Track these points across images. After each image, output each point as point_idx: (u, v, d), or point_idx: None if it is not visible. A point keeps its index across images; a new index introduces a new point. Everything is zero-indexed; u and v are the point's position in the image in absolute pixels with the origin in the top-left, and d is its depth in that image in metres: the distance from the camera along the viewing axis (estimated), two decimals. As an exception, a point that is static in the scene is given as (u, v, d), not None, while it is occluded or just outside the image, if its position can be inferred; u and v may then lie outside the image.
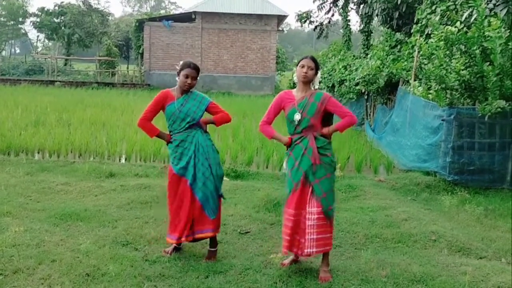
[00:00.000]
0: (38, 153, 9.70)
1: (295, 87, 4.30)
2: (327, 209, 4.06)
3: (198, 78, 4.37)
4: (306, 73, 4.08)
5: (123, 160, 9.56)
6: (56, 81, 28.02)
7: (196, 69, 4.33)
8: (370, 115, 13.96)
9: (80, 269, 3.99)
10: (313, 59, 4.14)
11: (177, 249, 4.52)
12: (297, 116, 4.07)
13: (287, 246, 4.11)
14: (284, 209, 4.22)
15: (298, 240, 4.10)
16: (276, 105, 4.28)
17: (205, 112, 4.44)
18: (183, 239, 4.35)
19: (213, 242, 4.49)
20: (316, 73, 4.14)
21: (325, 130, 4.11)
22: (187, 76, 4.27)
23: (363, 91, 13.34)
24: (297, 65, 4.20)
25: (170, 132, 4.44)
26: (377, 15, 14.97)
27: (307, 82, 4.15)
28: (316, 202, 4.04)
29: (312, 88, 4.21)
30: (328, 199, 4.08)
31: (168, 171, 4.52)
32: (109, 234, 4.91)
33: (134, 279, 3.91)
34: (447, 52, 7.61)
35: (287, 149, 4.25)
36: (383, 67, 11.89)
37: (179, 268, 4.18)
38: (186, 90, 4.36)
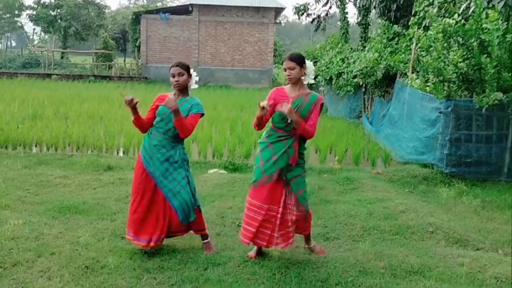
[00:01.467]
0: (36, 146, 9.70)
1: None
2: (304, 204, 4.16)
3: (189, 73, 4.28)
4: (289, 75, 4.06)
5: (121, 153, 9.56)
6: (53, 74, 27.96)
7: (180, 65, 4.23)
8: (367, 107, 13.98)
9: (79, 262, 4.01)
10: (292, 58, 4.04)
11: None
12: (279, 108, 3.97)
13: (251, 237, 4.12)
14: (248, 199, 4.19)
15: (267, 234, 4.11)
16: (269, 101, 4.16)
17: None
18: (152, 244, 4.23)
19: (203, 235, 4.49)
20: (301, 69, 4.06)
21: (294, 115, 3.89)
22: (173, 75, 4.23)
23: (360, 83, 13.34)
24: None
25: (156, 128, 4.27)
26: (374, 7, 14.96)
27: (296, 81, 4.11)
28: (294, 200, 4.12)
29: (306, 83, 4.16)
30: (304, 196, 4.19)
31: (137, 163, 4.36)
32: (108, 227, 4.92)
33: (133, 271, 3.92)
34: (445, 44, 7.61)
35: (266, 139, 4.17)
36: (380, 59, 11.89)
37: (178, 260, 4.19)
38: (180, 91, 4.29)
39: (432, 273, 4.07)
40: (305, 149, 4.28)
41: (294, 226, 4.18)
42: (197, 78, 4.40)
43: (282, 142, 4.09)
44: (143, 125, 4.34)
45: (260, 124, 4.12)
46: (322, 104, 4.19)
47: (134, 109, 4.15)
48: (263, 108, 3.93)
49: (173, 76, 4.23)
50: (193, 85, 4.38)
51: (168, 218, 4.27)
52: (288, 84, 4.21)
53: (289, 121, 4.00)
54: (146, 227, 4.24)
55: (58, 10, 40.35)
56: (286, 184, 4.13)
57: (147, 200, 4.24)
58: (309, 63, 4.13)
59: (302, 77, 4.11)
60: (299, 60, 4.05)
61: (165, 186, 4.22)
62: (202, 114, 4.31)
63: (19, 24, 57.50)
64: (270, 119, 4.19)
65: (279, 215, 4.10)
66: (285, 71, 4.08)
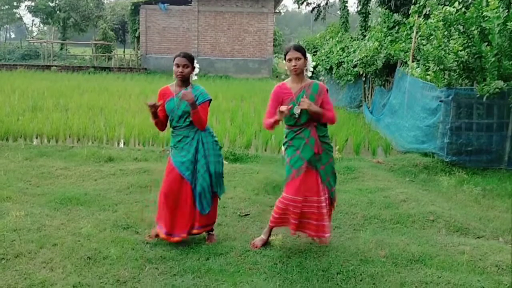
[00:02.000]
0: (37, 138, 9.69)
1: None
2: (330, 190, 4.21)
3: (193, 65, 4.29)
4: (295, 65, 4.03)
5: (121, 145, 9.57)
6: (52, 65, 27.92)
7: (187, 56, 4.23)
8: (368, 97, 13.96)
9: (82, 253, 4.02)
10: (297, 49, 4.03)
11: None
12: (297, 110, 4.00)
13: (295, 227, 4.14)
14: (284, 195, 4.18)
15: (309, 223, 4.14)
16: (274, 101, 4.16)
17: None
18: (176, 238, 4.29)
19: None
20: (305, 60, 4.07)
21: (314, 106, 3.96)
22: (178, 65, 4.21)
23: (361, 73, 13.30)
24: (284, 58, 4.14)
25: (173, 128, 4.34)
26: (374, -4, 14.86)
27: (300, 72, 4.10)
28: (325, 189, 4.15)
29: (306, 75, 4.17)
30: (331, 182, 4.22)
31: (167, 161, 4.44)
32: (110, 218, 4.93)
33: (136, 262, 3.94)
34: (445, 32, 7.58)
35: (286, 138, 4.23)
36: (381, 48, 11.84)
37: (180, 250, 4.21)
38: (183, 81, 4.29)
39: (433, 261, 4.09)
40: (327, 131, 4.23)
41: (329, 214, 4.20)
42: (197, 70, 4.40)
43: (299, 135, 4.11)
44: (162, 125, 4.43)
45: (273, 128, 4.15)
46: (327, 90, 4.19)
47: (155, 113, 4.24)
48: (282, 112, 3.91)
49: (178, 66, 4.22)
50: (194, 77, 4.38)
51: (193, 214, 4.31)
52: (289, 76, 4.20)
53: (297, 116, 4.02)
54: (177, 222, 4.28)
55: (57, 1, 40.18)
56: (318, 173, 4.14)
57: (177, 195, 4.27)
58: (309, 56, 4.16)
59: (305, 69, 4.12)
60: (303, 51, 4.06)
61: (189, 175, 4.24)
62: (210, 100, 4.33)
63: (18, 16, 57.24)
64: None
65: (317, 205, 4.09)
66: (290, 61, 4.04)
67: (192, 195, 4.28)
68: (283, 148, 4.33)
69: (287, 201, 4.12)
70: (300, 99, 3.96)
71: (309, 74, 4.21)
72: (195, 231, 4.37)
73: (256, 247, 4.29)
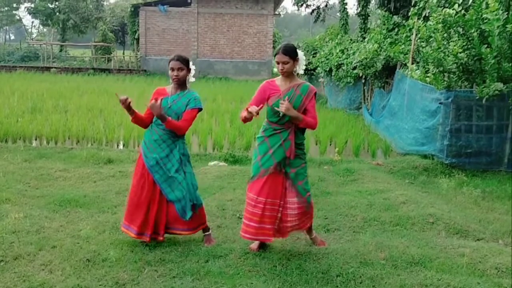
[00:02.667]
0: (36, 140, 9.69)
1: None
2: (305, 195, 4.15)
3: (189, 68, 4.26)
4: (282, 69, 4.02)
5: (121, 146, 9.56)
6: (52, 67, 27.91)
7: (181, 59, 4.19)
8: (367, 99, 13.96)
9: (81, 255, 4.01)
10: (285, 52, 3.98)
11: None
12: (281, 108, 3.93)
13: (254, 233, 4.11)
14: (248, 194, 4.18)
15: (268, 228, 4.11)
16: (258, 95, 4.15)
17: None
18: (146, 238, 4.25)
19: (204, 228, 4.49)
20: (294, 62, 4.04)
21: (293, 111, 3.91)
22: (172, 69, 4.19)
23: (360, 75, 13.30)
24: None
25: (155, 123, 4.26)
26: (374, -2, 14.87)
27: (288, 75, 4.09)
28: (294, 192, 4.11)
29: (296, 74, 4.15)
30: (305, 187, 4.17)
31: (138, 158, 4.37)
32: (109, 220, 4.92)
33: (135, 264, 3.93)
34: (445, 34, 7.58)
35: (263, 133, 4.18)
36: (380, 50, 11.84)
37: (179, 252, 4.20)
38: (179, 85, 4.27)
39: (433, 264, 4.09)
40: (304, 140, 4.25)
41: (296, 220, 4.15)
42: (194, 72, 4.38)
43: (278, 135, 4.08)
44: (143, 122, 4.32)
45: (245, 122, 4.12)
46: (315, 94, 4.16)
47: (128, 108, 4.10)
48: (250, 112, 3.91)
49: (172, 70, 4.20)
50: (191, 79, 4.36)
51: (164, 214, 4.27)
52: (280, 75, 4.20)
53: (281, 114, 3.99)
54: (139, 219, 4.23)
55: (57, 3, 40.21)
56: (286, 177, 4.13)
57: (146, 194, 4.24)
58: (300, 54, 4.11)
59: (294, 69, 4.11)
60: (292, 54, 4.01)
61: (162, 182, 4.21)
62: (200, 109, 4.28)
63: (18, 17, 57.30)
64: (265, 114, 4.17)
65: (280, 208, 4.11)
66: (278, 64, 4.04)
67: (160, 196, 4.24)
68: (256, 143, 4.27)
69: (251, 200, 4.11)
70: (280, 102, 3.92)
71: (301, 72, 4.20)
72: (176, 231, 4.34)
73: (254, 250, 4.28)
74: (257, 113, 3.90)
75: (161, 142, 4.21)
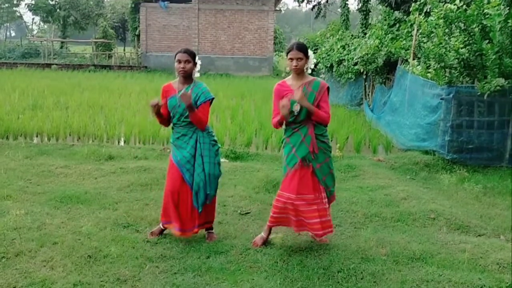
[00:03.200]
0: (37, 136, 9.69)
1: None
2: (327, 190, 4.19)
3: (195, 61, 4.28)
4: (296, 65, 4.04)
5: (122, 143, 9.56)
6: (53, 64, 27.90)
7: (188, 52, 4.23)
8: (368, 95, 13.94)
9: (82, 251, 4.02)
10: (299, 48, 4.04)
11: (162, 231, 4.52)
12: (296, 107, 4.01)
13: (296, 226, 4.15)
14: (279, 192, 4.21)
15: (298, 221, 4.13)
16: (277, 99, 4.17)
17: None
18: (188, 233, 4.33)
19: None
20: (307, 59, 4.10)
21: (306, 102, 3.96)
22: (179, 61, 4.20)
23: (361, 71, 13.28)
24: (286, 56, 4.14)
25: (173, 124, 4.36)
26: (375, -7, 14.83)
27: (301, 72, 4.12)
28: (320, 187, 4.14)
29: (306, 72, 4.18)
30: (327, 182, 4.20)
31: (169, 158, 4.47)
32: (110, 216, 4.93)
33: (136, 260, 3.94)
34: (446, 30, 7.56)
35: (284, 135, 4.25)
36: (381, 46, 11.81)
37: (181, 249, 4.21)
38: (185, 77, 4.28)
39: (434, 260, 4.09)
40: (326, 131, 4.24)
41: (325, 212, 4.15)
42: (199, 66, 4.39)
43: (297, 133, 4.12)
44: (166, 122, 4.42)
45: (281, 125, 4.17)
46: (328, 88, 4.18)
47: (158, 112, 4.24)
48: (283, 107, 3.92)
49: (179, 62, 4.21)
50: (196, 74, 4.37)
51: (194, 212, 4.31)
52: (289, 74, 4.21)
53: (296, 113, 4.03)
54: (184, 218, 4.30)
55: (57, 0, 40.12)
56: (314, 172, 4.14)
57: (177, 191, 4.28)
58: (310, 52, 4.17)
59: (306, 67, 4.13)
60: (306, 51, 4.08)
61: (188, 176, 4.25)
62: (212, 100, 4.32)
63: (18, 14, 57.22)
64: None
65: (316, 201, 4.09)
66: (291, 60, 4.05)
67: (191, 193, 4.29)
68: (282, 147, 4.34)
69: (282, 198, 4.13)
70: (295, 94, 3.95)
71: (309, 71, 4.22)
72: (195, 229, 4.37)
73: (257, 245, 4.28)
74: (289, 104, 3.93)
75: (183, 137, 4.28)
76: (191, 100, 4.07)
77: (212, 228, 4.54)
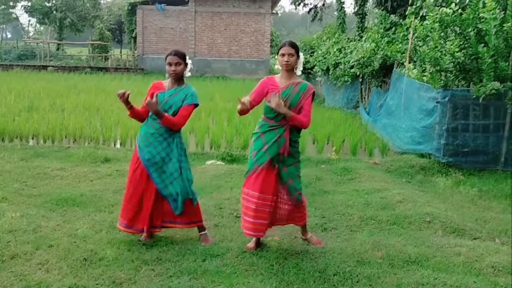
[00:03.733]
0: (33, 138, 9.67)
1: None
2: (296, 194, 4.18)
3: (186, 63, 4.26)
4: (287, 61, 4.06)
5: (118, 145, 9.55)
6: (49, 66, 27.84)
7: (178, 54, 4.22)
8: (365, 98, 13.97)
9: (78, 254, 4.01)
10: (292, 45, 4.08)
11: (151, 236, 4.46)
12: (271, 104, 3.96)
13: (251, 228, 4.14)
14: (243, 189, 4.23)
15: (262, 224, 4.13)
16: (257, 90, 4.19)
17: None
18: (145, 233, 4.31)
19: (200, 227, 4.50)
20: (297, 58, 4.11)
21: (283, 108, 3.91)
22: (170, 64, 4.21)
23: (357, 74, 13.31)
24: (277, 53, 4.16)
25: (152, 119, 4.24)
26: (371, -3, 14.88)
27: (291, 69, 4.13)
28: (285, 190, 4.15)
29: (296, 73, 4.19)
30: (295, 185, 4.19)
31: (133, 153, 4.39)
32: (106, 219, 4.92)
33: (132, 263, 3.93)
34: (442, 34, 7.59)
35: (259, 129, 4.21)
36: (377, 49, 11.85)
37: (176, 251, 4.20)
38: (176, 80, 4.27)
39: (430, 263, 4.10)
40: (299, 138, 4.28)
41: (288, 216, 4.21)
42: (190, 67, 4.38)
43: (273, 131, 4.11)
44: (140, 116, 4.33)
45: (242, 114, 4.13)
46: (313, 93, 4.19)
47: (127, 102, 4.12)
48: (243, 103, 3.93)
49: (170, 65, 4.22)
50: (187, 73, 4.37)
51: (159, 208, 4.28)
52: (280, 72, 4.21)
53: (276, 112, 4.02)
54: (139, 216, 4.26)
55: (53, 1, 40.04)
56: (278, 174, 4.15)
57: (140, 187, 4.25)
58: (301, 54, 4.19)
59: (295, 66, 4.14)
60: (297, 49, 4.10)
61: (157, 177, 4.22)
62: (196, 105, 4.29)
63: (14, 16, 56.99)
64: (263, 110, 4.20)
65: (272, 204, 4.13)
66: (283, 56, 4.07)
67: (156, 191, 4.25)
68: (252, 140, 4.30)
69: (245, 195, 4.17)
70: (272, 99, 3.91)
71: (299, 73, 4.22)
72: (172, 225, 4.37)
73: (251, 248, 4.28)
74: (248, 105, 3.94)
75: (158, 136, 4.22)
76: (157, 106, 4.04)
77: (204, 229, 4.52)
